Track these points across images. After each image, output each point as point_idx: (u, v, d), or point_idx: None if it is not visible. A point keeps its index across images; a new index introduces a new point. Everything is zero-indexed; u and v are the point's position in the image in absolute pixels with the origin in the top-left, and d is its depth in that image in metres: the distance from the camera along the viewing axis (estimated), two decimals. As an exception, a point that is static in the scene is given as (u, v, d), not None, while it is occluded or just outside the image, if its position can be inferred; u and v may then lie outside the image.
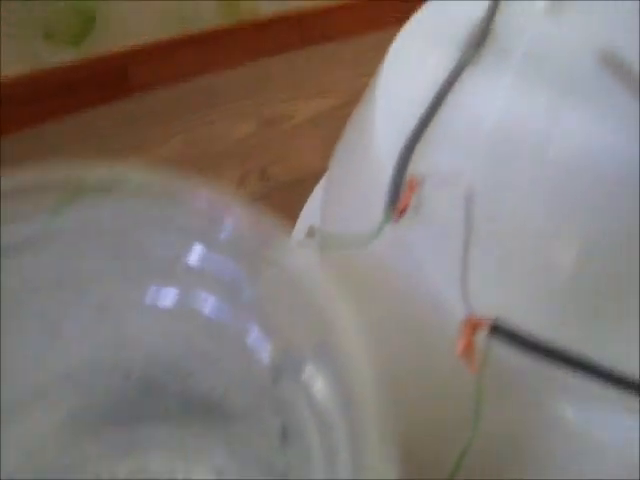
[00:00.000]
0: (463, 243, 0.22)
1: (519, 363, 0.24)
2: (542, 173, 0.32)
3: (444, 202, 0.26)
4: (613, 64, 0.37)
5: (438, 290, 0.25)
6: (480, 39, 0.35)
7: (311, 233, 0.45)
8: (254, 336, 0.23)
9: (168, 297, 0.24)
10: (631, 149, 0.33)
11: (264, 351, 0.23)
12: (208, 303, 0.23)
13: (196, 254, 0.22)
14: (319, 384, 0.20)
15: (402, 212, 0.26)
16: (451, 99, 0.32)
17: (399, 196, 0.27)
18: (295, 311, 0.21)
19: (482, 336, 0.23)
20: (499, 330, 0.23)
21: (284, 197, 0.52)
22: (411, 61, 0.35)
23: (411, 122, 0.30)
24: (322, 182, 0.48)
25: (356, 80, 0.64)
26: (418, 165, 0.29)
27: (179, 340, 0.26)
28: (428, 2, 0.39)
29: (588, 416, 0.24)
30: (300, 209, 0.47)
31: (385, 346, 0.29)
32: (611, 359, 0.24)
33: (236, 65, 0.70)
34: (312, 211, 0.47)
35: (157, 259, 0.23)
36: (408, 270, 0.27)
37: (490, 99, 0.34)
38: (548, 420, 0.24)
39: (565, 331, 0.26)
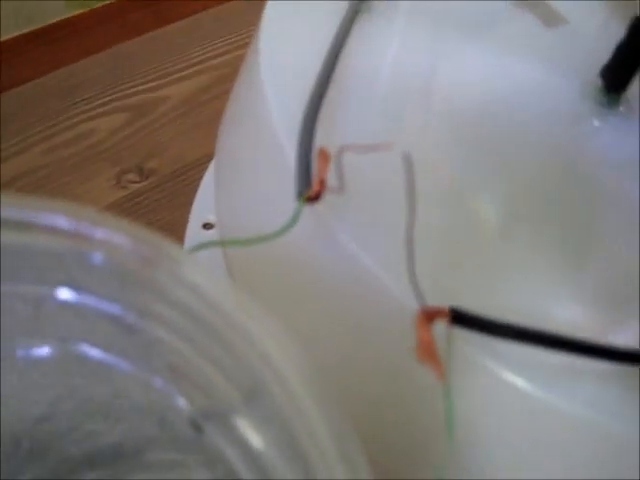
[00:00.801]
0: (407, 218, 0.18)
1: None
2: (454, 120, 0.28)
3: (370, 172, 0.22)
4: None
5: (376, 279, 0.21)
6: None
7: (208, 227, 0.41)
8: (160, 381, 0.18)
9: (42, 350, 0.18)
10: (546, 77, 0.30)
11: (178, 398, 0.18)
12: (95, 348, 0.18)
13: (65, 294, 0.17)
14: (256, 433, 0.16)
15: (319, 192, 0.21)
16: (349, 51, 0.28)
17: (310, 174, 0.22)
18: (207, 351, 0.16)
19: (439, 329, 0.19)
20: (460, 318, 0.19)
21: (169, 193, 0.47)
22: (294, 18, 0.31)
23: (306, 86, 0.26)
24: (211, 169, 0.43)
25: (227, 53, 0.59)
26: (326, 134, 0.24)
27: (68, 394, 0.21)
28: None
29: (546, 386, 0.21)
30: (190, 203, 0.42)
31: (327, 355, 0.24)
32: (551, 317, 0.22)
33: (92, 54, 0.63)
34: (205, 202, 0.42)
35: (17, 308, 0.17)
36: (337, 260, 0.22)
37: (385, 47, 0.31)
38: (503, 392, 0.21)
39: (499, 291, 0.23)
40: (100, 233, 0.16)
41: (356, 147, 0.20)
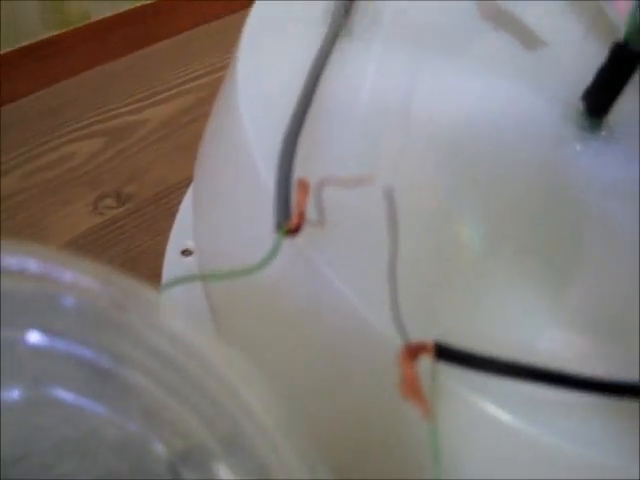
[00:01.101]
0: (389, 255, 0.17)
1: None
2: (436, 144, 0.28)
3: (351, 202, 0.22)
4: (494, 14, 0.33)
5: (358, 313, 0.21)
6: (348, 7, 0.30)
7: (187, 253, 0.40)
8: (136, 425, 0.17)
9: (13, 393, 0.18)
10: (527, 100, 0.30)
11: (155, 442, 0.17)
12: (68, 391, 0.18)
13: (35, 338, 0.17)
14: (234, 478, 0.15)
15: (298, 224, 0.21)
16: (328, 77, 0.28)
17: (289, 205, 0.22)
18: (184, 396, 0.16)
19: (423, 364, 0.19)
20: (444, 353, 0.19)
21: (149, 217, 0.46)
22: (272, 42, 0.30)
23: (285, 113, 0.25)
24: (189, 195, 0.43)
25: (208, 74, 0.59)
26: (306, 161, 0.24)
27: (42, 435, 0.20)
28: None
29: (529, 418, 0.20)
30: (170, 228, 0.42)
31: (309, 389, 0.24)
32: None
33: (74, 76, 0.63)
34: (184, 228, 0.41)
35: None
36: (318, 294, 0.22)
37: (364, 71, 0.30)
38: (487, 426, 0.21)
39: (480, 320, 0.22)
40: (70, 276, 0.16)
41: (337, 181, 0.19)
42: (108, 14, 0.84)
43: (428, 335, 0.19)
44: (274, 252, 0.20)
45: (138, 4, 0.84)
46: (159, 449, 0.17)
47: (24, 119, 0.54)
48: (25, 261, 0.15)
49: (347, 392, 0.23)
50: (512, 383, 0.20)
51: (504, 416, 0.20)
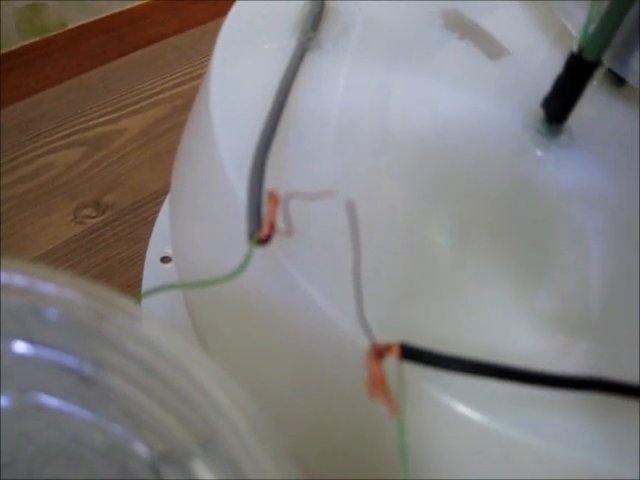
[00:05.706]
0: (353, 262, 0.18)
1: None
2: (403, 153, 0.29)
3: (321, 212, 0.23)
4: (458, 24, 0.34)
5: (328, 317, 0.22)
6: (316, 20, 0.31)
7: (166, 261, 0.41)
8: (118, 428, 0.18)
9: (1, 399, 0.19)
10: (490, 107, 0.31)
11: (137, 443, 0.18)
12: (53, 397, 0.19)
13: (21, 347, 0.18)
14: (212, 475, 0.16)
15: (269, 234, 0.22)
16: (298, 90, 0.29)
17: (261, 216, 0.23)
18: (163, 400, 0.17)
19: (389, 364, 0.20)
20: (410, 353, 0.20)
21: (128, 226, 0.47)
22: (244, 54, 0.31)
23: (256, 125, 0.26)
24: (167, 202, 0.44)
25: (185, 83, 0.60)
26: (278, 171, 0.25)
27: (28, 441, 0.21)
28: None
29: (495, 415, 0.21)
30: (147, 236, 0.42)
31: (282, 390, 0.25)
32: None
33: (50, 86, 0.63)
34: (163, 235, 0.42)
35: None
36: (290, 299, 0.23)
37: (334, 83, 0.31)
38: (454, 423, 0.22)
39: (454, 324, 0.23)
40: (52, 289, 0.16)
41: (301, 194, 0.20)
42: (85, 21, 0.84)
43: (402, 338, 0.20)
44: (247, 260, 0.21)
45: (114, 11, 0.84)
46: (141, 450, 0.18)
47: (2, 131, 0.54)
48: (11, 276, 0.16)
49: (318, 392, 0.23)
50: (479, 381, 0.21)
51: (471, 413, 0.21)
